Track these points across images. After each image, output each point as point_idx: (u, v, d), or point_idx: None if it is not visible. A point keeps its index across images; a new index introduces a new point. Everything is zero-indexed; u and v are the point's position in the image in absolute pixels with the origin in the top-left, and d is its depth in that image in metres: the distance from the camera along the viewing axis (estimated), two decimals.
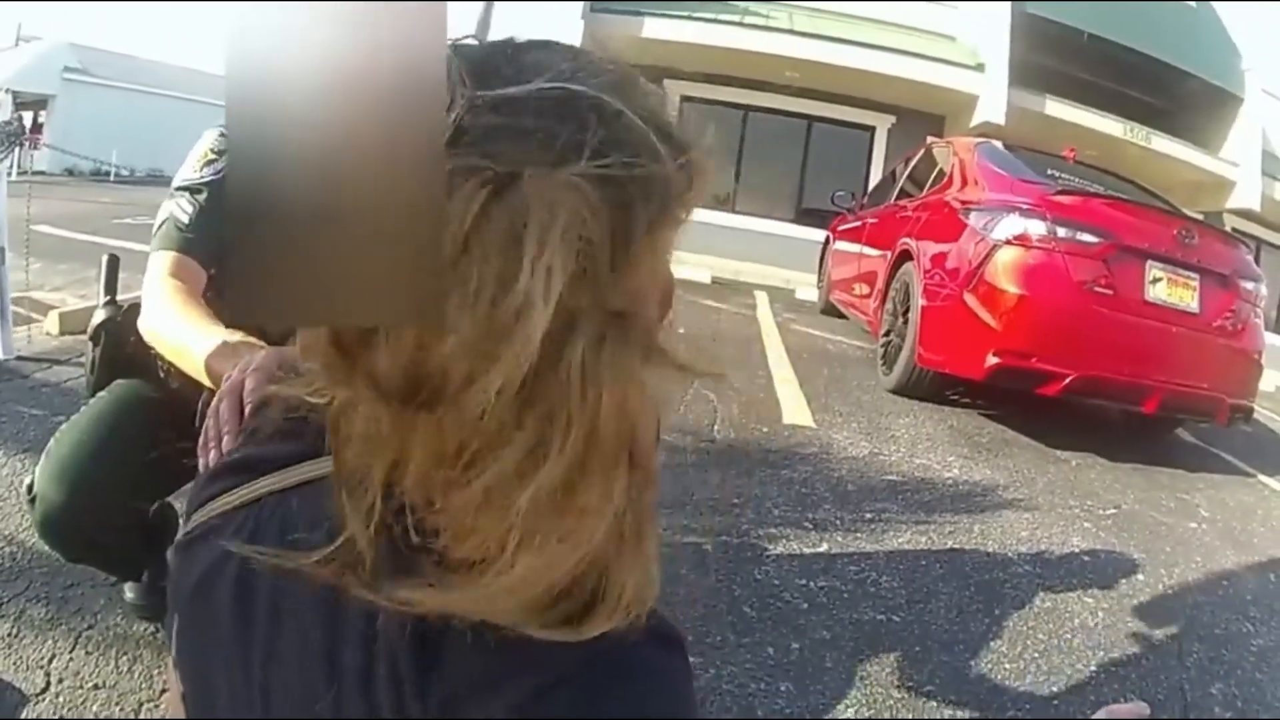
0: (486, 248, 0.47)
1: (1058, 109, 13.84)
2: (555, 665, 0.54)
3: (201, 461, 0.89)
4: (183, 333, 1.43)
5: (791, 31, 13.63)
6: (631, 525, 0.55)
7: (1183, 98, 15.32)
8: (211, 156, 1.77)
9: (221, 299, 1.73)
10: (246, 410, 0.89)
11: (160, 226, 1.71)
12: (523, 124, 0.49)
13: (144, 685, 1.93)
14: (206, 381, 1.24)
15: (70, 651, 2.00)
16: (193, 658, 0.68)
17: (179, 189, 1.74)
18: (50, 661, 1.96)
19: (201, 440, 0.92)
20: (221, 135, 1.79)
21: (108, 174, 21.26)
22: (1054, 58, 14.31)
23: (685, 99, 15.55)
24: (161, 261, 1.65)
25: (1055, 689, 2.50)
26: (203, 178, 1.74)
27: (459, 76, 0.50)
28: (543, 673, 0.54)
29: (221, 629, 0.63)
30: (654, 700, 0.57)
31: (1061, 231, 4.83)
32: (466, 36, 0.56)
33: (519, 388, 0.48)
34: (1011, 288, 4.79)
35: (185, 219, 1.70)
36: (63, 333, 4.57)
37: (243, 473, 0.68)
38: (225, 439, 0.89)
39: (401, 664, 0.55)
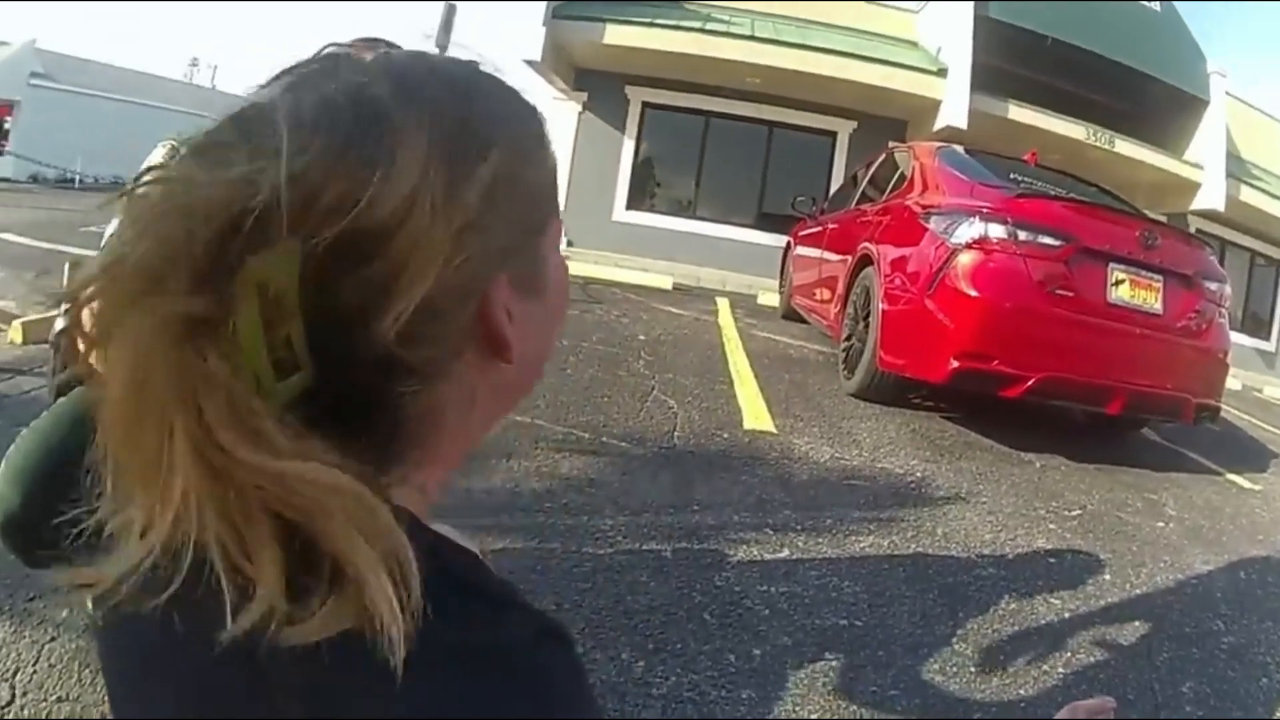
0: None
1: (1020, 113, 13.93)
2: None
3: None
4: None
5: (752, 38, 13.66)
6: None
7: (1146, 101, 15.48)
8: None
9: None
10: None
11: (108, 239, 1.72)
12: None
13: (108, 698, 1.92)
14: None
15: (34, 664, 1.99)
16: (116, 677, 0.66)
17: None
18: (14, 675, 1.95)
19: None
20: (172, 148, 1.79)
21: (72, 181, 20.99)
22: (1017, 62, 14.42)
23: (647, 105, 15.59)
24: None
25: (1021, 692, 2.50)
26: None
27: None
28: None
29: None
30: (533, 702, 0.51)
31: (1022, 235, 4.89)
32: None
33: None
34: (972, 291, 4.84)
35: None
36: (26, 342, 4.52)
37: None
38: None
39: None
